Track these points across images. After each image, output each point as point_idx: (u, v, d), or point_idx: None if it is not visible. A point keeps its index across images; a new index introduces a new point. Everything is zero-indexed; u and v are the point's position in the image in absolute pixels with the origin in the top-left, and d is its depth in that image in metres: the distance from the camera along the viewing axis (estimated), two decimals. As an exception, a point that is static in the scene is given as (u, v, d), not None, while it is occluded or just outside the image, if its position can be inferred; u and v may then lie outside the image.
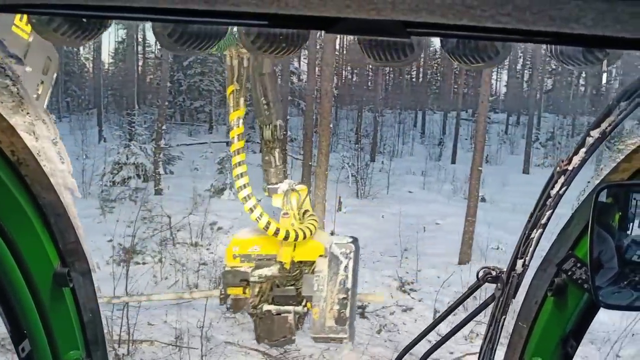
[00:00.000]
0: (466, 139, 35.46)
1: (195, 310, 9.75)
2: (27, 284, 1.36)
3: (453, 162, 29.46)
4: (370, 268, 13.08)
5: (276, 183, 4.86)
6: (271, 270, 4.32)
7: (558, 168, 1.47)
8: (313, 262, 4.30)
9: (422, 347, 2.05)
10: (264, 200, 5.41)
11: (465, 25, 0.57)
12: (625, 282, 1.24)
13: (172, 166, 22.79)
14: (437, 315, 10.28)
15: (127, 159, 19.57)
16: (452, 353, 9.25)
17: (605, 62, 0.86)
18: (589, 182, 1.41)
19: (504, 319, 1.64)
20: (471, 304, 3.68)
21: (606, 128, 1.33)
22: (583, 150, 1.39)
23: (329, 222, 13.91)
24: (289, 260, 4.31)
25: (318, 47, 19.87)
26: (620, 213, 1.25)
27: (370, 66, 43.91)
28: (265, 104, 4.55)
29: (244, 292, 4.28)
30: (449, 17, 0.55)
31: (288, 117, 22.60)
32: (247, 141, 24.59)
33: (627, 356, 9.29)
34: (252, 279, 4.29)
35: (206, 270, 12.36)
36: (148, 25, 0.80)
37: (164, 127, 19.91)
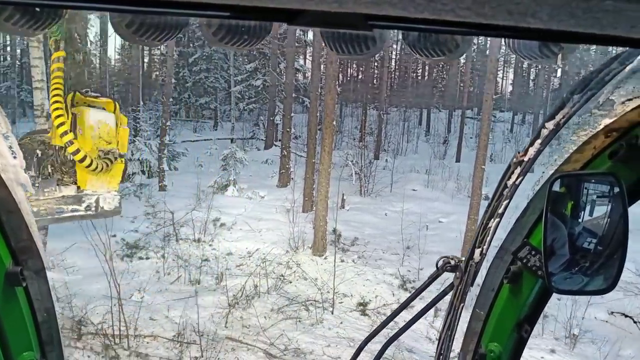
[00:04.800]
0: (471, 138, 35.36)
1: (197, 305, 9.79)
2: None
3: (457, 160, 29.37)
4: (372, 266, 13.10)
5: None
6: None
7: (515, 159, 1.51)
8: None
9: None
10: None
11: (426, 18, 0.57)
12: (576, 268, 1.28)
13: (177, 162, 22.85)
14: (438, 312, 10.32)
15: (132, 155, 19.63)
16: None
17: (560, 55, 0.88)
18: (543, 172, 1.44)
19: (462, 306, 1.66)
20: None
21: (560, 120, 1.36)
22: (538, 141, 1.42)
23: (331, 219, 13.92)
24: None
25: (323, 44, 19.82)
26: (572, 202, 1.30)
27: (376, 64, 43.85)
28: None
29: None
30: (411, 10, 0.56)
31: (292, 114, 22.63)
32: (251, 138, 24.61)
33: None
34: None
35: (208, 267, 12.40)
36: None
37: (168, 124, 19.97)
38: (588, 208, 1.28)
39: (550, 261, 1.28)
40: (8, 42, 39.39)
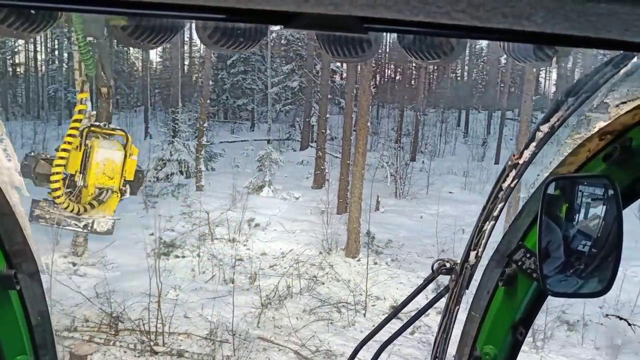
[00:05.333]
0: (511, 139, 34.51)
1: (231, 305, 9.91)
2: None
3: (496, 162, 28.78)
4: (406, 269, 12.97)
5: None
6: None
7: (509, 162, 1.50)
8: None
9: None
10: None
11: (421, 21, 0.58)
12: (571, 271, 1.28)
13: (214, 163, 23.21)
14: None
15: (171, 155, 20.07)
16: None
17: (554, 59, 0.88)
18: (538, 175, 1.42)
19: (458, 309, 1.66)
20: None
21: (555, 123, 1.36)
22: (533, 144, 1.42)
23: (365, 221, 13.86)
24: None
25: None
26: (567, 204, 1.30)
27: (414, 64, 43.42)
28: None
29: None
30: (406, 13, 0.56)
31: (328, 115, 22.65)
32: (287, 139, 24.76)
33: None
34: None
35: (242, 266, 12.55)
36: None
37: (205, 125, 20.29)
38: (583, 210, 1.28)
39: (545, 264, 1.27)
40: (56, 47, 40.96)
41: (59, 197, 8.60)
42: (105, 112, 9.63)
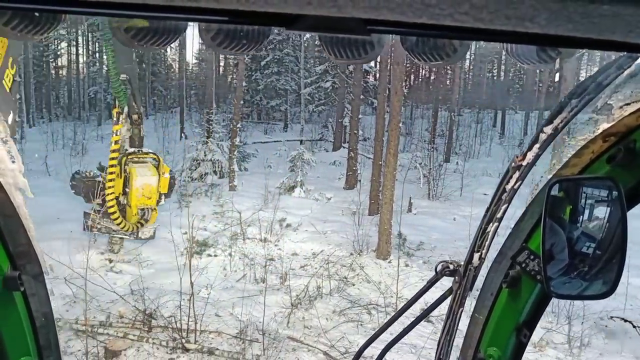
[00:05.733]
0: (549, 140, 33.75)
1: (261, 304, 9.99)
2: None
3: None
4: (438, 271, 12.78)
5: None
6: None
7: (513, 164, 1.51)
8: None
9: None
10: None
11: (424, 23, 0.58)
12: (575, 273, 1.28)
13: (247, 163, 23.47)
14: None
15: (205, 155, 20.39)
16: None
17: (558, 60, 0.88)
18: (542, 176, 1.40)
19: (461, 311, 1.67)
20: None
21: (558, 124, 1.36)
22: (537, 146, 1.42)
23: (397, 223, 13.76)
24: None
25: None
26: (571, 206, 1.30)
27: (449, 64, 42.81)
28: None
29: None
30: (409, 15, 0.56)
31: (361, 115, 22.60)
32: (320, 139, 25.08)
33: None
34: None
35: (273, 266, 12.64)
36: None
37: (239, 125, 20.53)
38: (586, 212, 1.28)
39: (549, 266, 1.28)
40: (97, 49, 42.18)
41: (116, 218, 10.74)
42: (137, 137, 11.09)
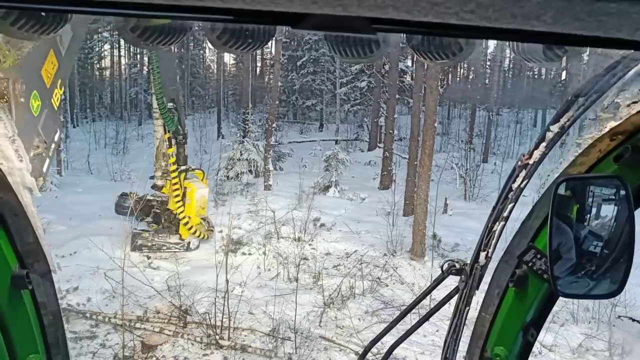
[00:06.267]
0: (592, 140, 32.68)
1: (294, 303, 10.04)
2: None
3: (575, 164, 27.34)
4: (473, 273, 12.57)
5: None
6: None
7: (519, 162, 1.50)
8: None
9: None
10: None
11: (430, 22, 0.58)
12: (582, 272, 1.27)
13: (282, 163, 23.63)
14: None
15: (241, 155, 20.64)
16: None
17: (564, 58, 0.88)
18: (549, 175, 1.37)
19: (468, 310, 1.66)
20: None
21: (565, 123, 1.35)
22: (543, 144, 1.41)
23: (431, 224, 13.60)
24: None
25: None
26: (578, 205, 1.29)
27: (488, 63, 42.04)
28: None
29: None
30: (415, 13, 0.56)
31: (396, 115, 22.43)
32: (355, 139, 25.23)
33: None
34: None
35: (307, 265, 12.68)
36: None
37: (274, 125, 20.69)
38: (594, 211, 1.27)
39: (556, 265, 1.27)
40: (138, 51, 43.26)
41: (190, 228, 11.99)
42: (182, 155, 12.56)
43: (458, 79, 51.71)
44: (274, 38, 0.88)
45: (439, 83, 14.93)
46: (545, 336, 9.54)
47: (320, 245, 13.99)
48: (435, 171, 15.47)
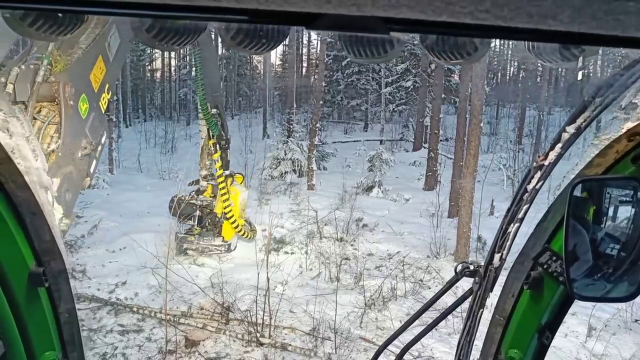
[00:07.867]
0: (651, 141, 31.13)
1: (334, 303, 10.05)
2: (0, 284, 1.35)
3: (632, 166, 26.14)
4: (520, 278, 12.23)
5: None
6: None
7: (535, 163, 1.49)
8: None
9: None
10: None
11: (444, 21, 0.58)
12: (599, 274, 1.24)
13: (326, 162, 23.69)
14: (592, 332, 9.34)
15: (285, 154, 20.85)
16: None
17: (581, 58, 0.86)
18: (564, 176, 1.32)
19: (482, 312, 1.64)
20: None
21: (581, 124, 1.34)
22: (559, 145, 1.40)
23: (476, 226, 13.31)
24: None
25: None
26: (594, 207, 1.26)
27: (539, 62, 40.67)
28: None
29: None
30: (429, 13, 0.57)
31: (442, 115, 22.09)
32: (400, 139, 24.99)
33: None
34: None
35: (348, 265, 12.67)
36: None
37: (318, 125, 20.80)
38: (611, 213, 1.24)
39: (572, 267, 1.25)
40: (187, 52, 44.35)
41: (240, 230, 12.30)
42: (224, 160, 12.73)
43: (507, 77, 50.41)
44: (287, 37, 0.89)
45: (486, 82, 14.59)
46: (595, 344, 9.18)
47: (363, 245, 13.95)
48: (481, 172, 15.14)
